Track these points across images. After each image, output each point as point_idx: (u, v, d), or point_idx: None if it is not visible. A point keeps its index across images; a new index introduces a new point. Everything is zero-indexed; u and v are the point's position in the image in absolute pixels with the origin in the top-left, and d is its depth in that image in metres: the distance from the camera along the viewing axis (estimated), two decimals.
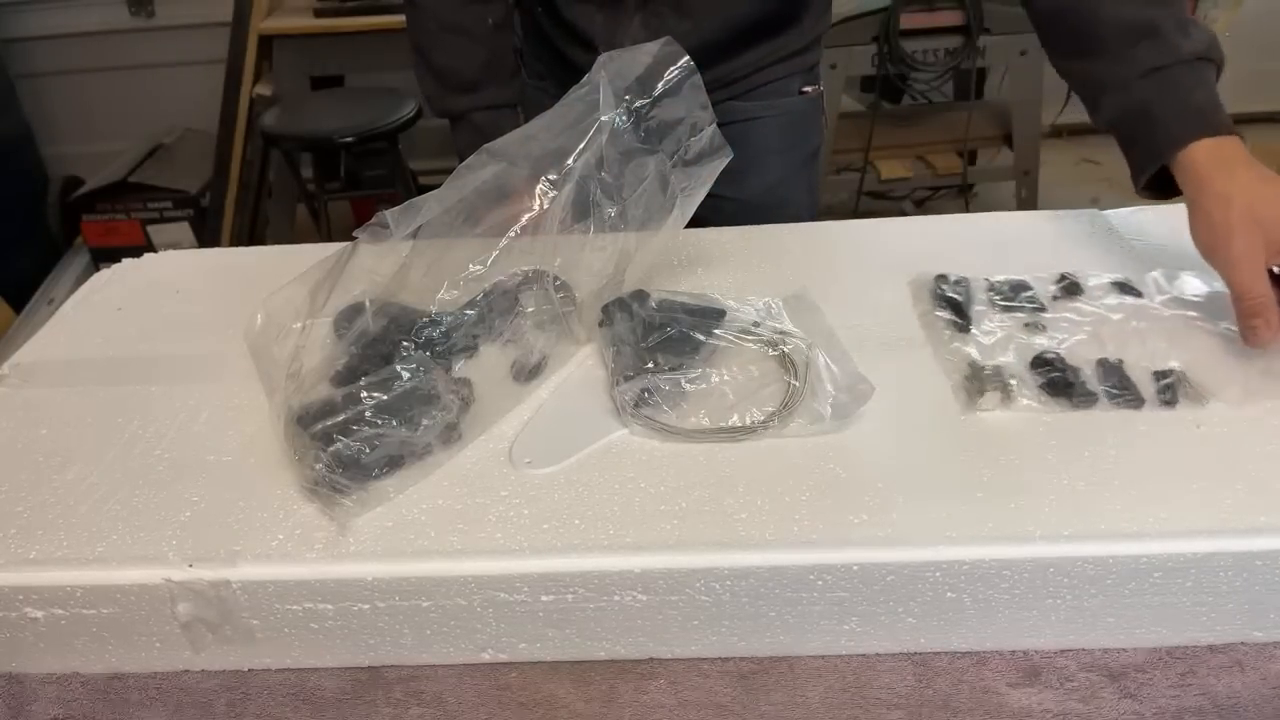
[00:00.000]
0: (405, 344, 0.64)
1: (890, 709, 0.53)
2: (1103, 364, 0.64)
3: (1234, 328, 0.66)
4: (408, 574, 0.53)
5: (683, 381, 0.63)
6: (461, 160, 0.70)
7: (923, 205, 2.78)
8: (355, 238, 0.66)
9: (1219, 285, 0.69)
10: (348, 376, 0.63)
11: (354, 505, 0.56)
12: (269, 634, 0.56)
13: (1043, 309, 0.71)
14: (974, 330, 0.69)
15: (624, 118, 0.68)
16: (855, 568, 0.52)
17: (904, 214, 0.86)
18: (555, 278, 0.69)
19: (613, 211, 0.69)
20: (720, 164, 0.70)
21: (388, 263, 0.68)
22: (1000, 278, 0.75)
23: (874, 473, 0.57)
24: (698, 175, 0.69)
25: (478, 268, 0.67)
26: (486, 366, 0.68)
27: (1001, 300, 0.72)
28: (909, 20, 2.29)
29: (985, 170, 2.70)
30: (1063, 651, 0.55)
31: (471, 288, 0.68)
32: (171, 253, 0.93)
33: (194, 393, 0.69)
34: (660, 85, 0.69)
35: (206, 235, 2.54)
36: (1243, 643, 0.55)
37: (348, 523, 0.56)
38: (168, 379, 0.71)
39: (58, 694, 0.57)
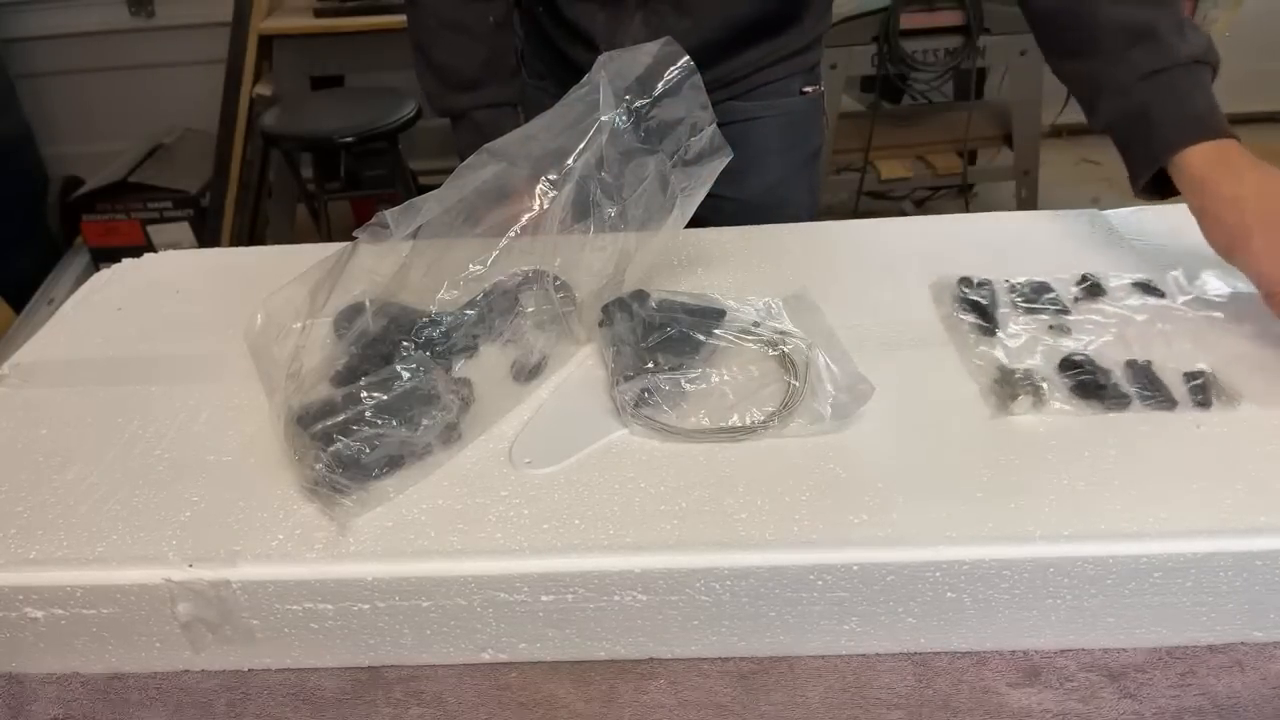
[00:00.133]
0: (405, 344, 0.64)
1: (890, 709, 0.53)
2: (1131, 365, 0.64)
3: (1260, 328, 0.66)
4: (408, 574, 0.53)
5: (683, 381, 0.63)
6: (462, 159, 0.70)
7: (923, 205, 2.78)
8: (355, 238, 0.66)
9: (1241, 285, 0.69)
10: (348, 376, 0.63)
11: (354, 505, 0.56)
12: (269, 634, 0.56)
13: (1066, 311, 0.71)
14: (1000, 333, 0.68)
15: (624, 118, 0.68)
16: (855, 568, 0.52)
17: (904, 214, 0.86)
18: (555, 278, 0.69)
19: (613, 211, 0.69)
20: (720, 164, 0.70)
21: (388, 263, 0.68)
22: (1021, 279, 0.74)
23: (874, 473, 0.57)
24: (698, 175, 0.69)
25: (478, 268, 0.67)
26: (486, 366, 0.68)
27: (1024, 302, 0.72)
28: (909, 20, 2.29)
29: (985, 170, 2.70)
30: (1063, 651, 0.55)
31: (471, 288, 0.68)
32: (171, 253, 0.93)
33: (194, 393, 0.69)
34: (660, 85, 0.69)
35: (206, 235, 2.54)
36: (1243, 643, 0.55)
37: (348, 523, 0.56)
38: (168, 379, 0.71)
39: (58, 694, 0.57)
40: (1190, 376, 0.63)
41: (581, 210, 0.68)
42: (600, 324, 0.70)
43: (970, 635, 0.55)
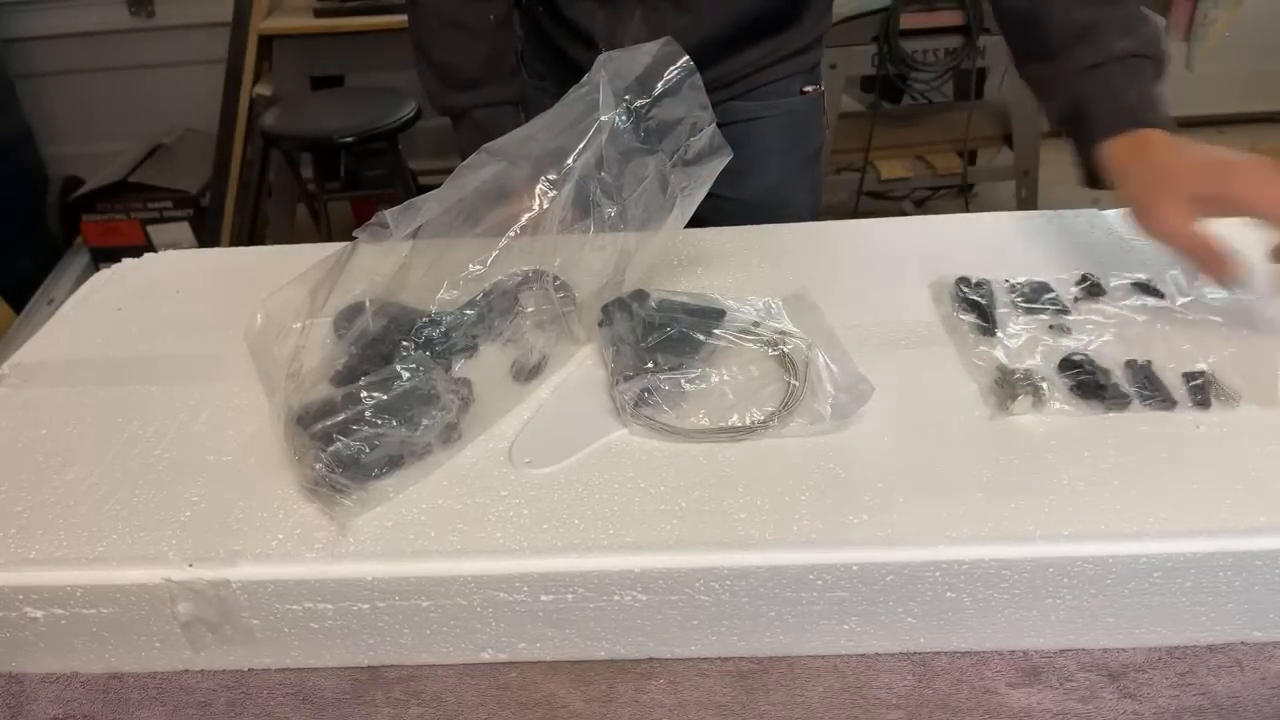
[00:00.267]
0: (405, 344, 0.64)
1: (890, 709, 0.53)
2: (1131, 365, 0.64)
3: (1260, 329, 0.66)
4: (408, 574, 0.53)
5: (683, 381, 0.63)
6: (463, 158, 0.70)
7: (923, 205, 2.78)
8: (355, 238, 0.66)
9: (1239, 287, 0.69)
10: (348, 376, 0.63)
11: (354, 505, 0.56)
12: (269, 634, 0.56)
13: (1066, 311, 0.71)
14: (999, 333, 0.68)
15: (624, 118, 0.68)
16: (855, 568, 0.52)
17: (904, 214, 0.85)
18: (555, 278, 0.69)
19: (612, 211, 0.69)
20: (720, 164, 0.70)
21: (388, 263, 0.68)
22: (1021, 279, 0.74)
23: (874, 473, 0.57)
24: (698, 175, 0.69)
25: (478, 268, 0.67)
26: (486, 366, 0.68)
27: (1024, 302, 0.72)
28: (909, 20, 2.29)
29: (985, 170, 2.70)
30: (1062, 651, 0.55)
31: (471, 288, 0.68)
32: (171, 253, 0.93)
33: (194, 393, 0.69)
34: (660, 85, 0.69)
35: (206, 235, 2.54)
36: (1242, 642, 0.55)
37: (348, 523, 0.56)
38: (168, 379, 0.71)
39: (58, 694, 0.57)
40: (1190, 376, 0.63)
41: (581, 210, 0.68)
42: (600, 324, 0.70)
43: (970, 635, 0.55)
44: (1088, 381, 0.62)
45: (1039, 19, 0.78)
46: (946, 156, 2.56)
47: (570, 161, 0.67)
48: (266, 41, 2.47)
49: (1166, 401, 0.61)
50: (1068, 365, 0.64)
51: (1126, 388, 0.62)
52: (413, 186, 2.49)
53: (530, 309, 0.70)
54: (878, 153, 2.53)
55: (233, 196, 2.52)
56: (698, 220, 0.73)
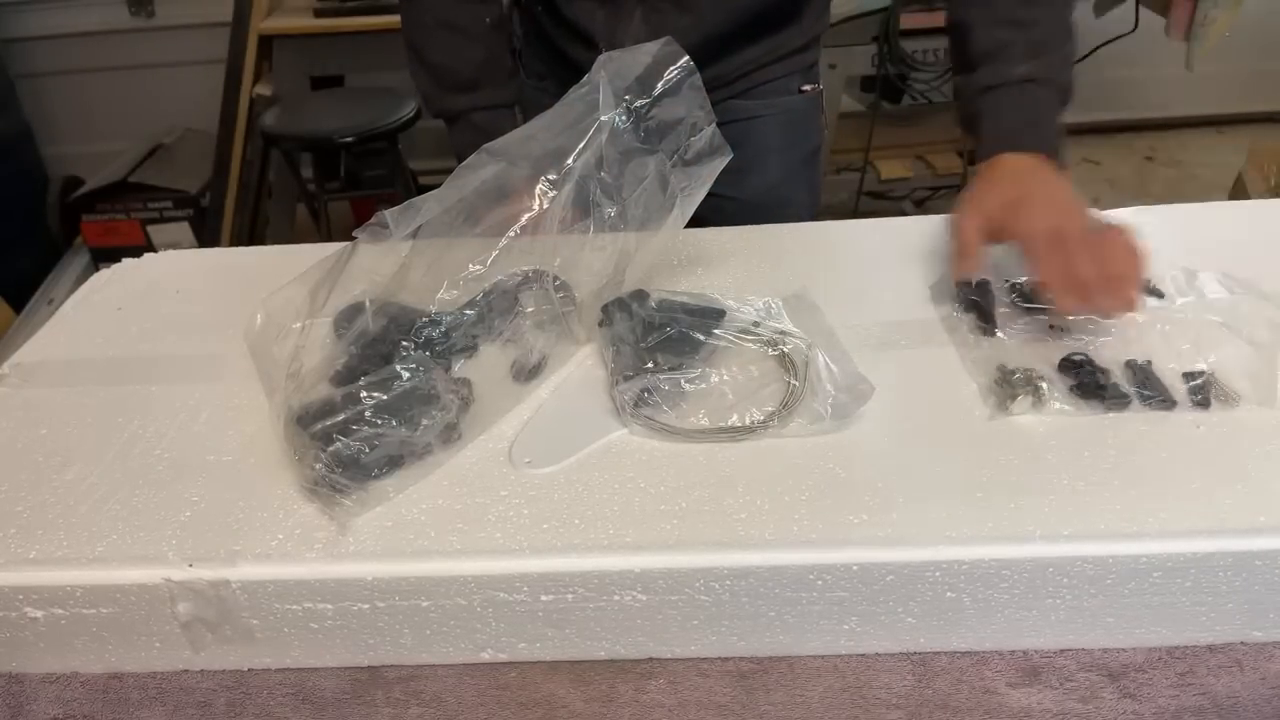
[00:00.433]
0: (405, 344, 0.64)
1: (890, 709, 0.53)
2: (1131, 366, 0.64)
3: (1259, 329, 0.66)
4: (408, 574, 0.53)
5: (683, 381, 0.63)
6: (458, 160, 0.70)
7: (923, 205, 2.78)
8: (355, 238, 0.66)
9: (1239, 288, 0.70)
10: (348, 376, 0.63)
11: (354, 505, 0.56)
12: (269, 634, 0.56)
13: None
14: (999, 333, 0.69)
15: (624, 118, 0.68)
16: (855, 568, 0.52)
17: (904, 214, 0.85)
18: (555, 278, 0.69)
19: (613, 211, 0.69)
20: (720, 164, 0.70)
21: (388, 263, 0.68)
22: (1021, 279, 0.74)
23: (874, 473, 0.57)
24: (698, 175, 0.69)
25: (478, 268, 0.67)
26: (486, 366, 0.68)
27: (1024, 302, 0.72)
28: (909, 20, 2.29)
29: None
30: (1062, 651, 0.55)
31: (471, 288, 0.68)
32: (171, 253, 0.93)
33: (194, 393, 0.69)
34: (660, 85, 0.69)
35: (206, 235, 2.53)
36: (1242, 642, 0.55)
37: (347, 523, 0.56)
38: (168, 379, 0.71)
39: (58, 694, 0.57)
40: (1190, 376, 0.63)
41: (581, 210, 0.68)
42: (600, 324, 0.70)
43: (970, 635, 0.55)
44: (1088, 381, 0.62)
45: (966, 33, 0.83)
46: (946, 156, 2.56)
47: (570, 161, 0.67)
48: (266, 41, 2.46)
49: (1166, 401, 0.61)
50: (1068, 365, 0.64)
51: (1126, 388, 0.62)
52: (413, 186, 2.49)
53: (530, 309, 0.70)
54: (878, 153, 2.53)
55: (233, 196, 2.51)
56: (697, 220, 0.73)
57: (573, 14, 0.96)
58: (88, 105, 2.96)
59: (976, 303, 0.71)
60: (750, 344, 0.68)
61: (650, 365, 0.64)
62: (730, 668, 0.56)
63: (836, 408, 0.61)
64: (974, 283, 0.74)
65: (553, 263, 0.69)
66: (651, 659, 0.57)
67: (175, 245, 1.45)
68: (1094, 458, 0.57)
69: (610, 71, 0.68)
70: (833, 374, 0.63)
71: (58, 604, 0.55)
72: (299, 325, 0.66)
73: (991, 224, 0.73)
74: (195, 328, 0.78)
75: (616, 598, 0.54)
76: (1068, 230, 0.68)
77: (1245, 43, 2.82)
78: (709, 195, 0.71)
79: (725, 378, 0.65)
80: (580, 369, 0.69)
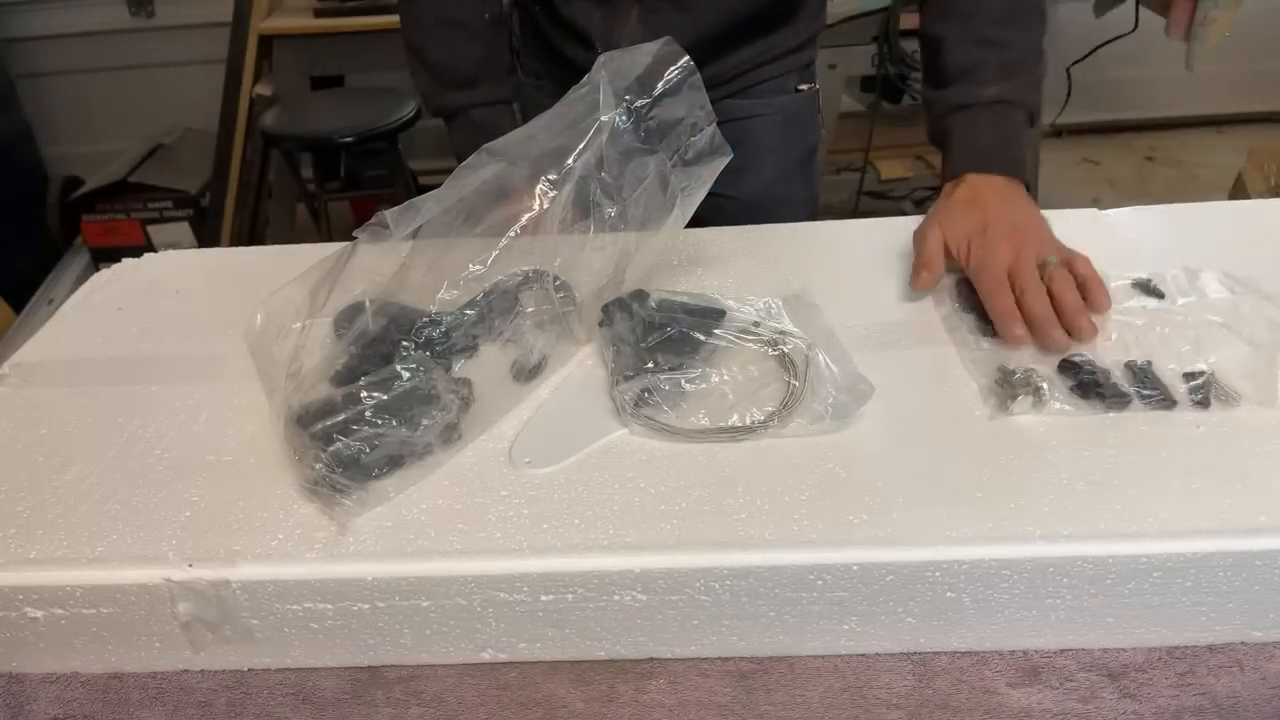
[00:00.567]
0: (405, 344, 0.64)
1: (890, 709, 0.53)
2: (1131, 365, 0.64)
3: (1259, 328, 0.66)
4: (408, 574, 0.53)
5: (683, 381, 0.63)
6: (458, 158, 0.70)
7: (923, 205, 2.77)
8: (355, 238, 0.66)
9: (1239, 288, 0.70)
10: (348, 376, 0.63)
11: (354, 505, 0.56)
12: (269, 634, 0.56)
13: None
14: (999, 333, 0.68)
15: (624, 118, 0.68)
16: (855, 567, 0.52)
17: (904, 214, 0.85)
18: (555, 278, 0.69)
19: (613, 211, 0.69)
20: (720, 164, 0.70)
21: (388, 263, 0.68)
22: None
23: (874, 473, 0.57)
24: (698, 175, 0.69)
25: (478, 268, 0.67)
26: (486, 366, 0.68)
27: None
28: (909, 20, 2.29)
29: None
30: (1062, 651, 0.55)
31: (471, 288, 0.68)
32: (171, 253, 0.93)
33: (194, 393, 0.69)
34: (660, 85, 0.69)
35: (206, 235, 2.54)
36: (1242, 642, 0.55)
37: (348, 523, 0.56)
38: (168, 379, 0.71)
39: (58, 694, 0.57)
40: (1190, 376, 0.63)
41: (581, 210, 0.68)
42: (600, 324, 0.70)
43: (970, 635, 0.55)
44: (1088, 381, 0.62)
45: (939, 49, 0.85)
46: None
47: (570, 161, 0.67)
48: (266, 41, 2.46)
49: (1166, 401, 0.61)
50: (1067, 365, 0.64)
51: (1126, 388, 0.62)
52: (413, 186, 2.49)
53: (530, 309, 0.70)
54: (878, 153, 2.53)
55: (233, 196, 2.51)
56: (695, 219, 0.73)
57: (570, 13, 0.96)
58: (88, 105, 2.96)
59: (976, 303, 0.71)
60: (750, 344, 0.68)
61: (650, 365, 0.64)
62: (730, 668, 0.56)
63: (836, 408, 0.61)
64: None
65: (553, 263, 0.69)
66: (651, 659, 0.57)
67: (175, 245, 1.45)
68: (1094, 458, 0.57)
69: (610, 71, 0.68)
70: (833, 374, 0.63)
71: (58, 604, 0.55)
72: (299, 325, 0.66)
73: (954, 247, 0.75)
74: (195, 328, 0.78)
75: (616, 598, 0.54)
76: (1019, 266, 0.70)
77: (1245, 43, 2.82)
78: (708, 194, 0.71)
79: (725, 378, 0.65)
80: (580, 369, 0.69)
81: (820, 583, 0.53)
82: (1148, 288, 0.73)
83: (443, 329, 0.67)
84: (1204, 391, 0.62)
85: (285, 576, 0.54)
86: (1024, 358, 0.66)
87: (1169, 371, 0.64)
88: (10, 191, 2.54)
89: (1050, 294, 0.68)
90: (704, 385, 0.64)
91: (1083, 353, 0.66)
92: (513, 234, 0.67)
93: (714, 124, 0.70)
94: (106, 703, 0.56)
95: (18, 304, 2.35)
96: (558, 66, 1.02)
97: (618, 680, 0.56)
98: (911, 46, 2.33)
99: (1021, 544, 0.52)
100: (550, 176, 0.67)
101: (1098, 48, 2.27)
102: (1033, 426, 0.60)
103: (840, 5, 2.24)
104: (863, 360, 0.65)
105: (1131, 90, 3.01)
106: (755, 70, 1.01)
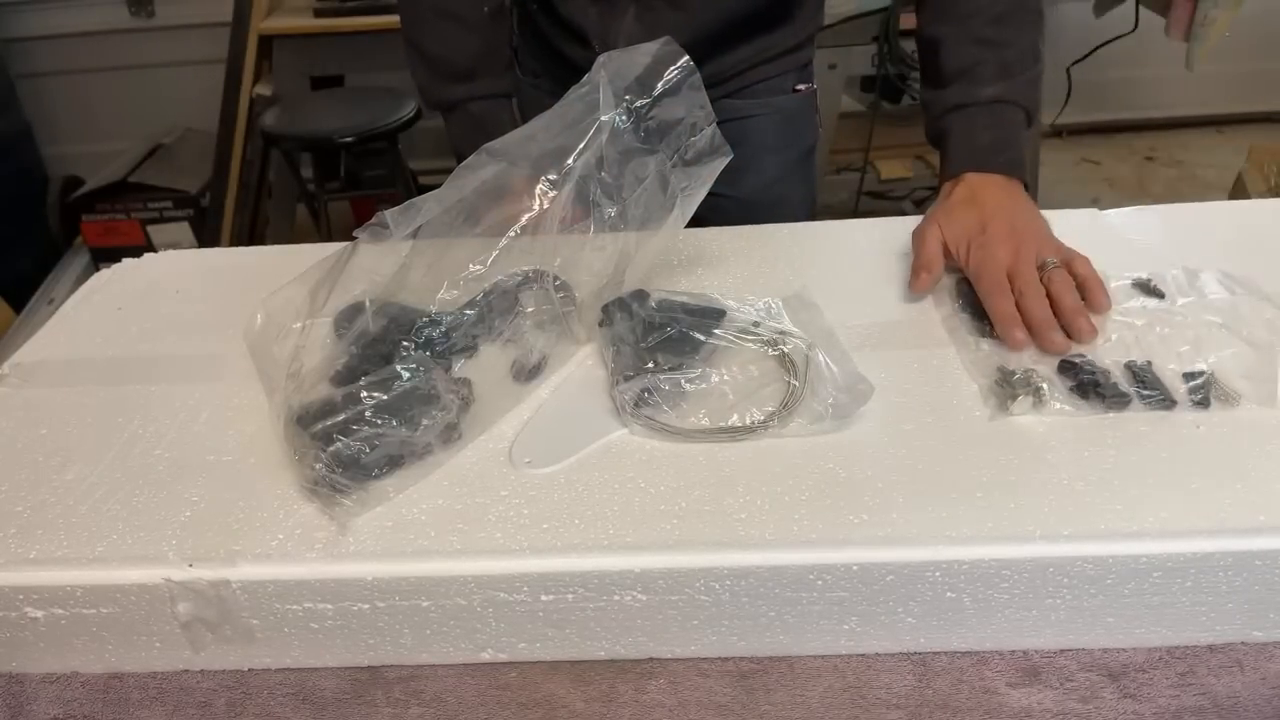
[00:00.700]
0: (405, 344, 0.64)
1: (890, 709, 0.53)
2: (1131, 366, 0.64)
3: (1259, 329, 0.66)
4: (408, 574, 0.53)
5: (683, 381, 0.63)
6: (456, 153, 0.70)
7: (923, 205, 2.77)
8: (355, 238, 0.66)
9: (1239, 288, 0.70)
10: (348, 376, 0.63)
11: (354, 505, 0.56)
12: (269, 634, 0.56)
13: None
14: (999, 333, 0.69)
15: (624, 118, 0.68)
16: (855, 567, 0.52)
17: (904, 214, 0.85)
18: (555, 278, 0.69)
19: (613, 211, 0.69)
20: (720, 164, 0.70)
21: (388, 263, 0.68)
22: None
23: (874, 473, 0.57)
24: (698, 175, 0.69)
25: (478, 268, 0.67)
26: (486, 366, 0.68)
27: None
28: (909, 20, 2.29)
29: None
30: (1063, 651, 0.55)
31: (471, 288, 0.68)
32: (171, 253, 0.93)
33: (194, 393, 0.69)
34: (660, 85, 0.69)
35: (206, 235, 2.54)
36: (1242, 643, 0.55)
37: (347, 523, 0.56)
38: (168, 379, 0.71)
39: (58, 694, 0.57)
40: (1190, 376, 0.63)
41: (582, 210, 0.68)
42: (600, 324, 0.70)
43: (970, 635, 0.55)
44: (1088, 382, 0.62)
45: (937, 49, 0.85)
46: None
47: (570, 161, 0.67)
48: (266, 41, 2.46)
49: (1166, 401, 0.61)
50: (1067, 366, 0.64)
51: (1126, 388, 0.62)
52: (413, 186, 2.49)
53: (530, 309, 0.70)
54: (878, 153, 2.53)
55: (233, 196, 2.51)
56: (695, 219, 0.73)
57: (567, 12, 0.96)
58: (88, 105, 2.96)
59: (976, 303, 0.71)
60: (750, 344, 0.68)
61: (650, 365, 0.64)
62: (730, 668, 0.56)
63: (836, 408, 0.61)
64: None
65: (553, 263, 0.69)
66: (651, 659, 0.57)
67: (175, 245, 1.45)
68: (1094, 458, 0.57)
69: (610, 71, 0.68)
70: (833, 374, 0.63)
71: (58, 604, 0.55)
72: (299, 325, 0.66)
73: (953, 248, 0.75)
74: (195, 328, 0.78)
75: (616, 598, 0.54)
76: (1018, 267, 0.70)
77: (1245, 43, 2.82)
78: (706, 194, 0.71)
79: (725, 378, 0.65)
80: (580, 369, 0.69)
81: (820, 583, 0.53)
82: (1147, 288, 0.73)
83: (443, 329, 0.67)
84: (1204, 391, 0.62)
85: (285, 576, 0.54)
86: (1024, 358, 0.66)
87: (1169, 372, 0.64)
88: (10, 191, 2.54)
89: (1049, 295, 0.68)
90: (704, 385, 0.64)
91: (1083, 353, 0.66)
92: (513, 234, 0.67)
93: (714, 124, 0.70)
94: (106, 703, 0.56)
95: (18, 304, 2.36)
96: (555, 65, 1.02)
97: (618, 680, 0.56)
98: (911, 46, 2.33)
99: (1021, 544, 0.52)
100: (550, 176, 0.67)
101: (1098, 48, 2.27)
102: (1032, 427, 0.60)
103: (840, 5, 2.24)
104: (863, 360, 0.65)
105: (1131, 90, 3.02)
106: (753, 70, 1.01)
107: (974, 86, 0.82)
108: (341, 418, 0.58)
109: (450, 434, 0.61)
